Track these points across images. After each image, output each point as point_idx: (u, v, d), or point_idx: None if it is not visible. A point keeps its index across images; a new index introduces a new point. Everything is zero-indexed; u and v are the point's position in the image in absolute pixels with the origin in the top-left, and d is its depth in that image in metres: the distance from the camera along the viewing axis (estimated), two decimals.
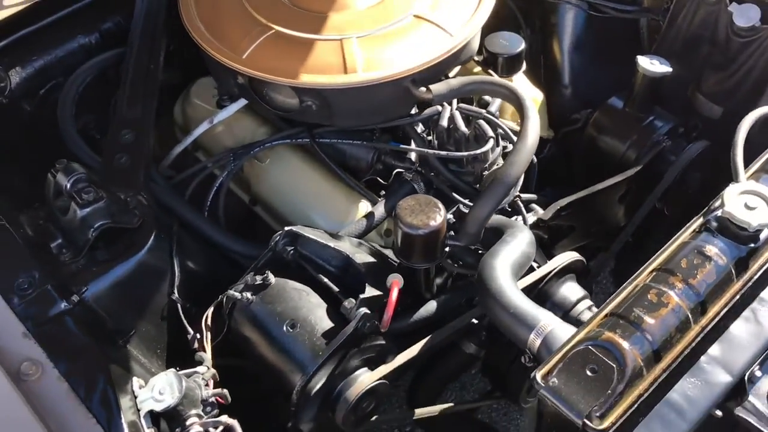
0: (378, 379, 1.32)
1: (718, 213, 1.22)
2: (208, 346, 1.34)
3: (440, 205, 1.36)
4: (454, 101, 1.57)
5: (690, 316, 1.14)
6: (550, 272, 1.47)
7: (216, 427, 1.17)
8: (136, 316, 1.38)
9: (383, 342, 1.35)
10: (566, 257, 1.51)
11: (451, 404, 1.66)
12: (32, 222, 1.40)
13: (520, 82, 1.80)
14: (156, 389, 1.16)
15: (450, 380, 1.78)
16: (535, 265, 1.47)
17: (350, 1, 1.59)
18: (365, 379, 1.31)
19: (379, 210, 1.54)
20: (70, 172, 1.35)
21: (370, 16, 1.55)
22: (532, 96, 1.80)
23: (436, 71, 1.51)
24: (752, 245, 1.20)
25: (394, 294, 1.30)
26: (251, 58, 1.49)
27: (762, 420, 1.09)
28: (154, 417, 1.15)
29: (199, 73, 1.86)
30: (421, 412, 1.53)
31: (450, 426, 1.75)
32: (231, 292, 1.38)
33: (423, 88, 1.48)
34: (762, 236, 1.20)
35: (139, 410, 1.14)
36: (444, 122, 1.54)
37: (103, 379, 1.15)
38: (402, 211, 1.35)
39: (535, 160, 1.70)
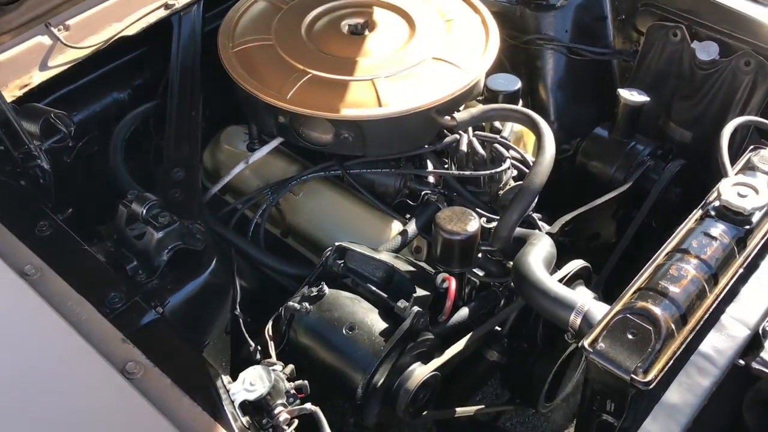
0: (432, 371, 1.46)
1: (716, 203, 1.44)
2: (273, 354, 1.47)
3: (474, 214, 1.54)
4: (470, 130, 1.78)
5: (705, 285, 1.34)
6: (565, 276, 1.66)
7: (301, 414, 1.30)
8: (205, 330, 1.51)
9: (432, 337, 1.50)
10: (576, 264, 1.69)
11: (480, 406, 1.80)
12: (103, 250, 1.52)
13: None
14: (247, 381, 1.28)
15: (475, 388, 1.92)
16: None
17: (375, 47, 1.81)
18: (421, 371, 1.46)
19: (411, 228, 1.71)
20: (145, 200, 1.49)
21: (394, 59, 1.77)
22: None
23: (456, 103, 1.72)
24: (747, 227, 1.42)
25: (453, 285, 1.46)
26: (294, 98, 1.68)
27: None
28: (244, 407, 1.27)
29: (224, 123, 2.04)
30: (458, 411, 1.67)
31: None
32: (290, 303, 1.52)
33: (447, 117, 1.69)
34: (754, 219, 1.43)
35: (233, 401, 1.26)
36: (464, 147, 1.75)
37: (200, 375, 1.27)
38: (441, 221, 1.53)
39: None
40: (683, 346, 1.25)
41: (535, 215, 1.89)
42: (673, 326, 1.27)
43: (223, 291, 1.57)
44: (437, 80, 1.73)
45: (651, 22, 2.11)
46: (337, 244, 1.57)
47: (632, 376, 1.22)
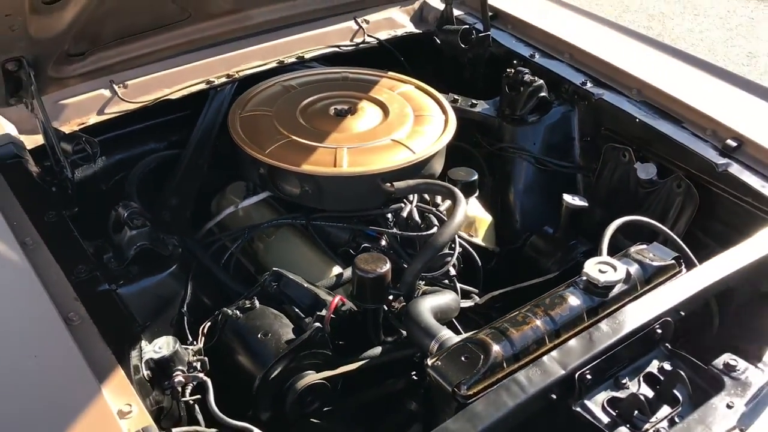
0: (320, 379, 1.73)
1: (581, 276, 1.69)
2: (200, 344, 1.80)
3: (387, 260, 1.85)
4: (414, 199, 2.11)
5: (546, 336, 1.57)
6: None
7: (194, 381, 1.61)
8: (152, 317, 1.86)
9: (329, 353, 1.78)
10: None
11: None
12: (93, 244, 1.93)
13: (475, 205, 2.35)
14: (157, 345, 1.61)
15: None
16: None
17: (350, 126, 2.22)
18: (311, 377, 1.73)
19: (347, 273, 2.02)
20: (128, 206, 1.91)
21: (360, 136, 2.17)
22: (482, 217, 2.34)
23: (400, 175, 2.07)
24: (602, 299, 1.65)
25: (336, 300, 1.76)
26: (271, 153, 2.09)
27: (591, 416, 1.48)
28: (149, 365, 1.59)
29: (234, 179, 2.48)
30: None
31: None
32: (225, 309, 1.85)
33: (389, 185, 2.03)
34: (610, 294, 1.66)
35: (141, 357, 1.59)
36: (404, 214, 2.08)
37: (124, 335, 1.62)
38: (358, 261, 1.84)
39: (480, 263, 2.21)
40: (509, 376, 1.48)
41: (470, 288, 2.16)
42: (503, 359, 1.51)
43: (176, 291, 1.93)
44: (389, 156, 2.09)
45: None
46: (274, 269, 1.91)
47: (454, 389, 1.46)
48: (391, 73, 2.58)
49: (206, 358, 1.65)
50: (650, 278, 1.73)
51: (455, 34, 2.73)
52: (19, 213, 1.89)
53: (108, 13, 2.02)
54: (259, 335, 1.79)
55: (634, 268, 1.72)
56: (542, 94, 2.49)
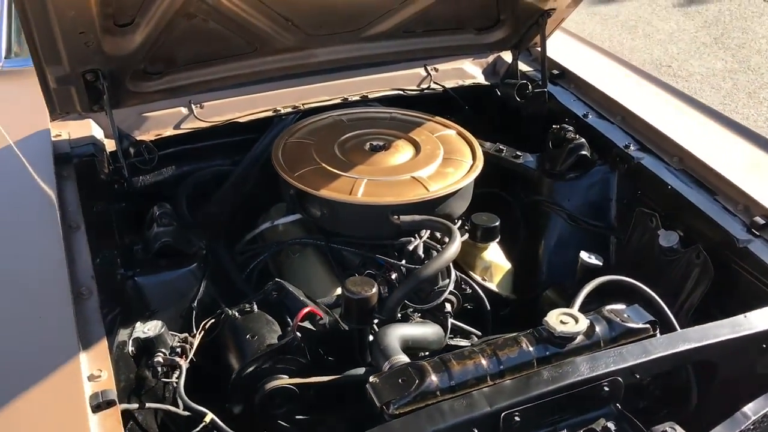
0: (289, 384, 1.86)
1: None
2: (198, 336, 1.99)
3: (374, 284, 1.96)
4: (425, 235, 2.22)
5: (488, 375, 1.62)
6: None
7: (172, 366, 1.80)
8: (165, 306, 2.08)
9: (304, 362, 1.91)
10: None
11: None
12: (130, 237, 2.20)
13: (494, 251, 2.41)
14: (146, 327, 1.83)
15: None
16: None
17: (377, 160, 2.38)
18: (281, 380, 1.87)
19: None
20: (162, 206, 2.16)
21: (384, 170, 2.31)
22: (499, 263, 2.40)
23: (409, 210, 2.18)
24: (557, 350, 1.67)
25: (305, 310, 1.90)
26: (299, 177, 2.27)
27: None
28: (137, 343, 1.80)
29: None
30: None
31: None
32: (227, 309, 2.04)
33: (395, 217, 2.16)
34: (568, 346, 1.68)
35: (131, 335, 1.81)
36: (410, 247, 2.19)
37: (123, 313, 1.84)
38: (348, 283, 1.97)
39: (489, 307, 2.27)
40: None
41: (474, 330, 2.23)
42: (437, 387, 1.57)
43: (193, 287, 2.14)
44: (404, 191, 2.22)
45: None
46: (277, 279, 2.08)
47: (383, 406, 1.55)
48: (437, 118, 2.71)
49: (189, 346, 1.84)
50: (617, 338, 1.73)
51: (513, 87, 2.82)
52: (74, 201, 2.19)
53: (177, 39, 2.31)
54: (248, 336, 1.96)
55: (601, 326, 1.73)
56: (583, 152, 2.52)
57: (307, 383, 1.90)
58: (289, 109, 2.80)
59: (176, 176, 2.70)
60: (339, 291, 2.22)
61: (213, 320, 2.05)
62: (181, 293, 2.13)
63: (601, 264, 2.26)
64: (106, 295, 1.87)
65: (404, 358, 1.75)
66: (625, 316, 1.77)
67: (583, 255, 2.28)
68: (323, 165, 2.33)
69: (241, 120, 2.73)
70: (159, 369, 1.79)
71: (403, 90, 2.96)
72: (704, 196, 2.24)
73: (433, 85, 3.00)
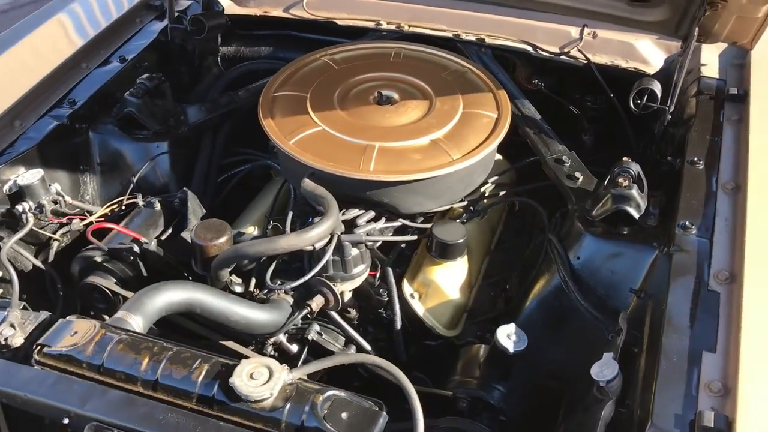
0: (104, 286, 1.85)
1: None
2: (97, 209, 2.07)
3: (227, 233, 1.82)
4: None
5: (140, 378, 1.39)
6: None
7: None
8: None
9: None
10: None
11: None
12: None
13: (452, 273, 1.98)
14: (27, 173, 1.95)
15: None
16: None
17: (387, 118, 2.03)
18: (99, 279, 1.86)
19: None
20: (153, 79, 2.25)
21: (397, 133, 1.98)
22: (444, 290, 1.95)
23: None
24: (224, 401, 1.34)
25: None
26: (296, 144, 1.95)
27: None
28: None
29: None
30: None
31: None
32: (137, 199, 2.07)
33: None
34: (237, 404, 1.33)
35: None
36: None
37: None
38: (199, 226, 1.85)
39: (398, 326, 1.89)
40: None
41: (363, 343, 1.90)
42: (86, 358, 1.42)
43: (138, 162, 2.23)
44: (423, 160, 1.90)
45: None
46: (184, 189, 2.05)
47: (37, 346, 1.46)
48: (450, 53, 2.33)
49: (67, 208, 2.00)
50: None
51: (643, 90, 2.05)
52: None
53: None
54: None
55: (297, 407, 1.32)
56: (626, 207, 1.77)
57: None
58: (392, 27, 2.49)
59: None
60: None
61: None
62: (128, 166, 2.20)
63: (517, 351, 1.65)
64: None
65: (137, 320, 1.58)
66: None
67: (500, 333, 1.68)
68: (324, 128, 2.00)
69: (338, 22, 2.53)
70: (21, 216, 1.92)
71: (532, 46, 2.38)
72: None
73: (574, 52, 2.34)
